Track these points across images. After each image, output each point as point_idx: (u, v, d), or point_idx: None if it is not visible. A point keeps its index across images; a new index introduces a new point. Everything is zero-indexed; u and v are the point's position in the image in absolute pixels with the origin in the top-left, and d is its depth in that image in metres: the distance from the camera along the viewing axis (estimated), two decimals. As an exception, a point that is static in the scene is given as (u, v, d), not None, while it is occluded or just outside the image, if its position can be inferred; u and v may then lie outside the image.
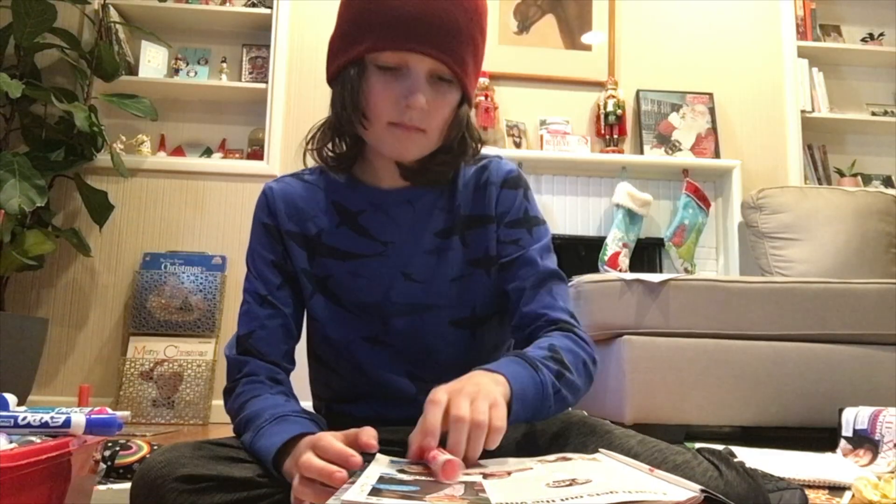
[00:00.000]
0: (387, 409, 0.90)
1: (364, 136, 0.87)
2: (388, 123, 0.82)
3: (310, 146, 0.92)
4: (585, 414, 0.91)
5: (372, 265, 0.90)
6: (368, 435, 0.66)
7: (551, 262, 0.91)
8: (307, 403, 0.88)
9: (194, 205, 2.99)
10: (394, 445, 0.85)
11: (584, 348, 0.84)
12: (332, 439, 0.66)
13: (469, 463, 0.64)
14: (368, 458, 0.73)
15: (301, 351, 0.94)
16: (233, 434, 0.84)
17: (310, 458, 0.64)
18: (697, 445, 0.80)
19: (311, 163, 0.94)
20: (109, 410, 0.79)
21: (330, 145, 0.90)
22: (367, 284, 0.90)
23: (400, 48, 0.79)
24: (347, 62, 0.83)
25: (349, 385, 0.93)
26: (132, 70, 3.02)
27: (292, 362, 0.92)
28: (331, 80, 0.88)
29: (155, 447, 1.32)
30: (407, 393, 0.90)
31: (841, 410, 1.80)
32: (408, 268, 0.90)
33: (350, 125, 0.85)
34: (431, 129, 0.84)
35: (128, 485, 0.79)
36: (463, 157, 0.89)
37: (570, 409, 0.84)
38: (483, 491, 0.59)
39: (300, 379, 0.93)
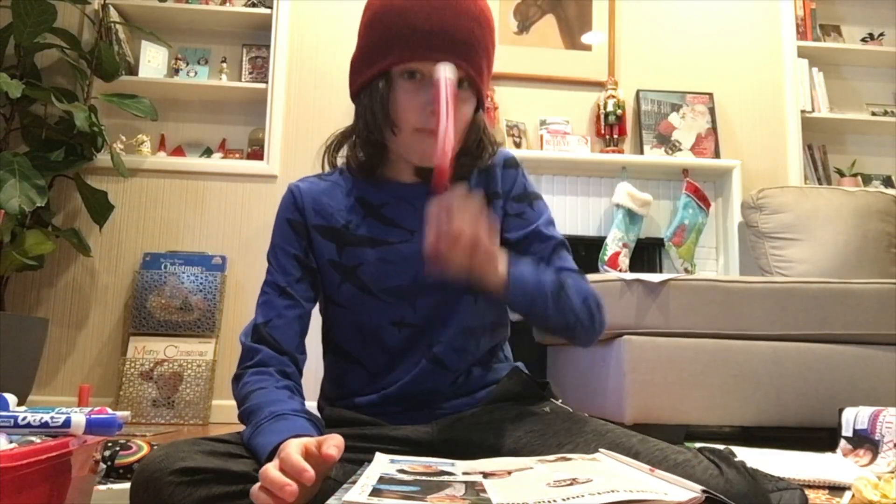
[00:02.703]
0: (390, 406, 0.92)
1: (392, 145, 0.93)
2: (414, 130, 0.89)
3: (329, 154, 0.98)
4: (587, 415, 0.92)
5: (401, 250, 0.95)
6: (330, 444, 0.66)
7: (556, 232, 1.01)
8: (311, 403, 0.88)
9: (194, 205, 2.99)
10: (395, 444, 0.85)
11: (591, 291, 0.96)
12: (294, 452, 0.66)
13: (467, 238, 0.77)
14: (369, 456, 0.73)
15: (311, 349, 0.96)
16: (232, 431, 0.85)
17: (268, 468, 0.65)
18: (698, 445, 0.80)
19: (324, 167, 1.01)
20: (109, 410, 0.79)
21: (353, 155, 0.97)
22: (397, 269, 0.95)
23: (424, 58, 0.86)
24: (375, 75, 0.89)
25: (365, 377, 0.95)
26: (132, 70, 3.02)
27: (304, 353, 0.95)
28: (355, 95, 0.95)
29: (155, 447, 1.32)
30: (422, 374, 0.93)
31: (841, 410, 1.80)
32: None
33: (380, 133, 0.91)
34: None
35: (128, 485, 0.79)
36: (481, 159, 0.96)
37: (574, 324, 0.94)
38: (484, 491, 0.59)
39: (307, 379, 0.93)
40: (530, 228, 0.99)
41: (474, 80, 0.89)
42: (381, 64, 0.88)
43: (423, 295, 0.95)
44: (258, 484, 0.65)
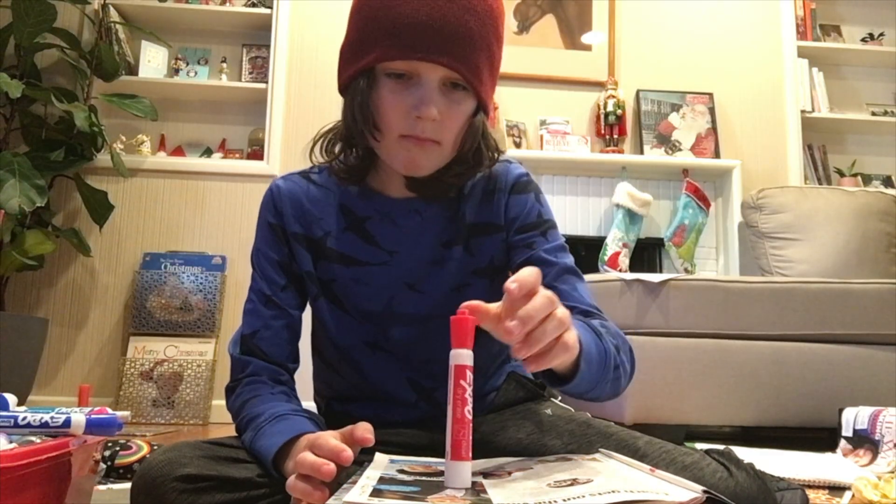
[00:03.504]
0: (386, 411, 0.90)
1: (376, 150, 0.84)
2: (399, 136, 0.79)
3: (318, 149, 0.90)
4: (589, 416, 0.91)
5: (375, 273, 0.89)
6: (363, 429, 0.66)
7: (567, 259, 0.87)
8: (308, 403, 0.88)
9: (194, 205, 2.99)
10: (393, 447, 0.84)
11: (625, 339, 0.81)
12: (329, 437, 0.66)
13: (537, 359, 0.58)
14: (369, 457, 0.73)
15: (304, 347, 0.94)
16: (233, 434, 0.84)
17: (305, 455, 0.64)
18: (705, 446, 0.79)
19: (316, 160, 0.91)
20: (109, 410, 0.79)
21: (342, 156, 0.88)
22: (369, 292, 0.89)
23: (410, 57, 0.76)
24: (357, 72, 0.80)
25: (350, 386, 0.93)
26: (132, 70, 3.02)
27: (296, 361, 0.91)
28: (342, 89, 0.86)
29: (155, 447, 1.32)
30: (406, 399, 0.89)
31: (841, 410, 1.80)
32: (411, 278, 0.88)
33: (362, 138, 0.82)
34: (445, 140, 0.80)
35: (128, 485, 0.79)
36: (479, 168, 0.86)
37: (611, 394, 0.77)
38: (484, 491, 0.58)
39: (302, 380, 0.93)
40: (531, 254, 0.86)
41: (469, 81, 0.78)
42: (363, 60, 0.79)
43: (397, 324, 0.88)
44: (293, 477, 0.64)
